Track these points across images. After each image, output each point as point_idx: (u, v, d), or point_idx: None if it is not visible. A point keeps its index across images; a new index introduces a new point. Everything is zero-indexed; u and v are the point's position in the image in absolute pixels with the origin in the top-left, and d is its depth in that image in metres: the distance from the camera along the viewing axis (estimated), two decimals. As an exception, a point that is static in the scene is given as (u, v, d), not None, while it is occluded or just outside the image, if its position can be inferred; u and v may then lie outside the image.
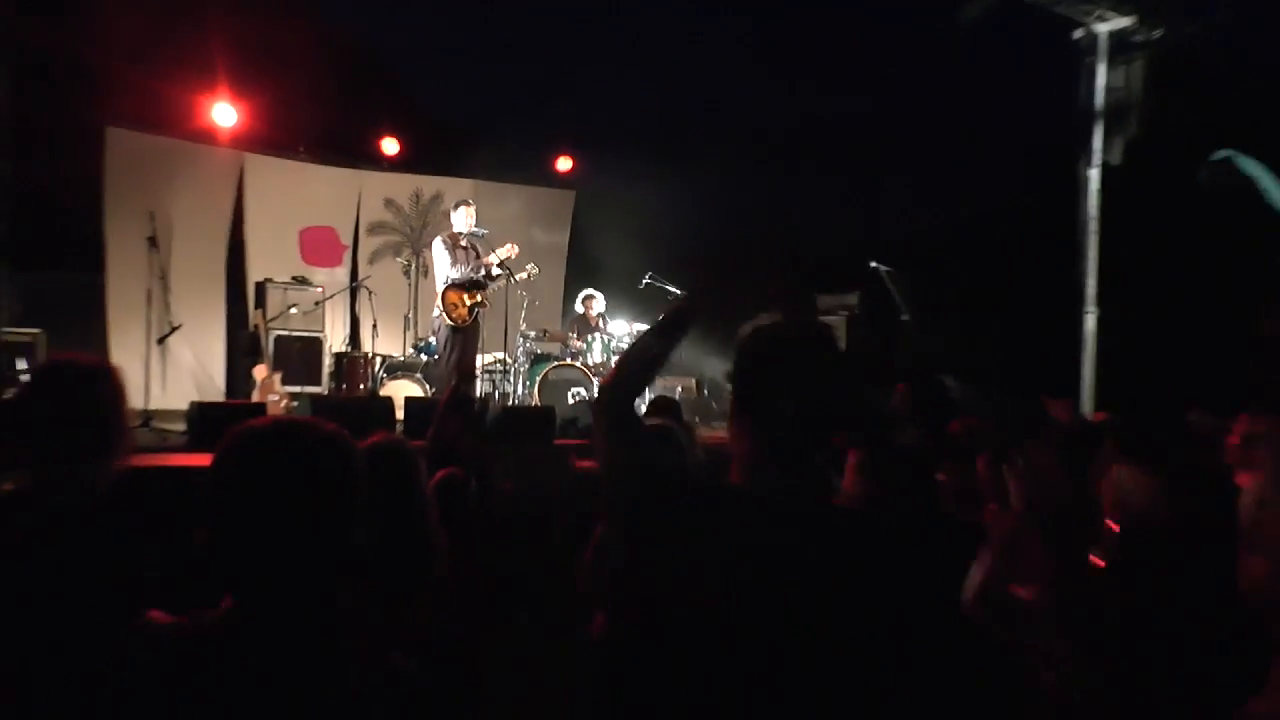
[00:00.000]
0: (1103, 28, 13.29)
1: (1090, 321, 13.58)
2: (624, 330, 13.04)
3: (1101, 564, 2.48)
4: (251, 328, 12.45)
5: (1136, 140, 13.31)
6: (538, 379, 12.08)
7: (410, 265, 13.80)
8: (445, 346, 11.32)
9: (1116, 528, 2.52)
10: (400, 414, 9.70)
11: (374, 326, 12.85)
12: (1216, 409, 6.47)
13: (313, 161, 14.48)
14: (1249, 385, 6.04)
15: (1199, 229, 12.53)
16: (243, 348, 12.72)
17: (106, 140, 12.37)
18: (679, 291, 12.78)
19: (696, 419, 12.27)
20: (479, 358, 11.87)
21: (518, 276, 11.82)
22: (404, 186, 15.33)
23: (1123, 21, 13.14)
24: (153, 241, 11.39)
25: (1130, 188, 13.41)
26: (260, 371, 11.78)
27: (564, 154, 16.37)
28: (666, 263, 13.10)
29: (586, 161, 16.32)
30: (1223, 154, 11.95)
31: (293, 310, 12.55)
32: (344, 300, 13.95)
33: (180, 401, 11.74)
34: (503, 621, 5.84)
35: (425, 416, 7.44)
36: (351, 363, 12.26)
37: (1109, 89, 13.37)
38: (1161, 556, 2.28)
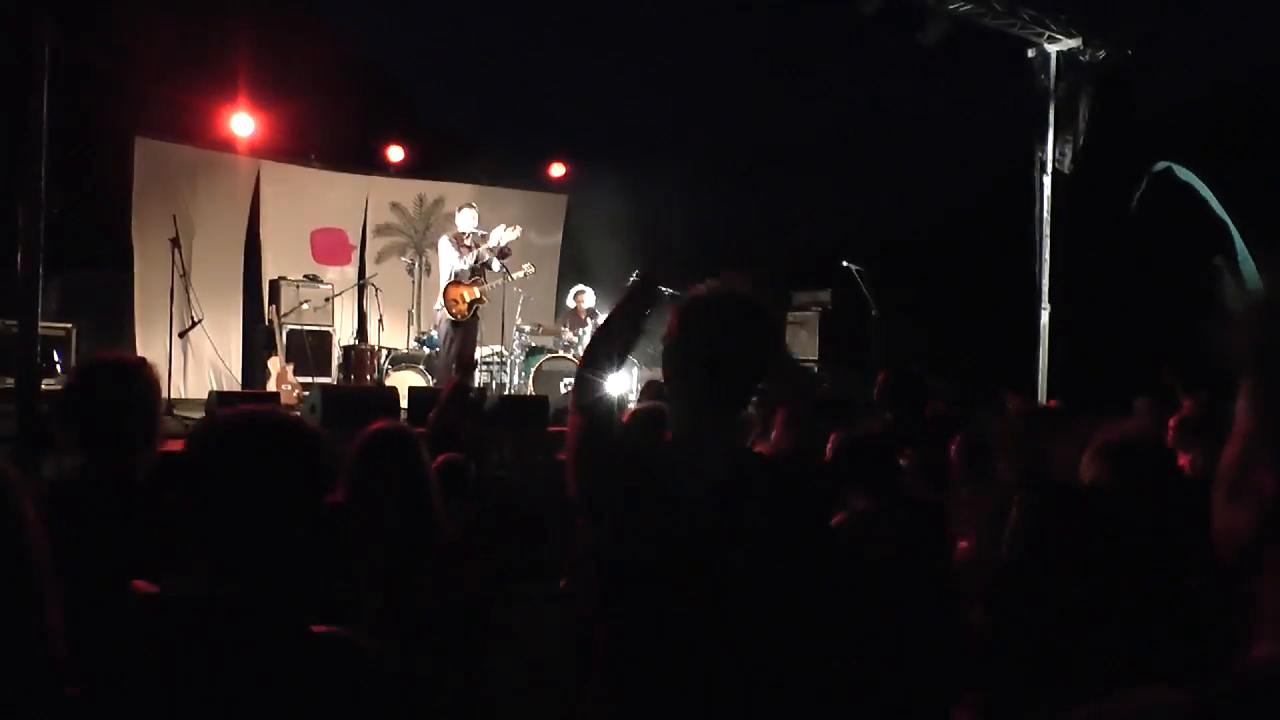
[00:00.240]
0: (1053, 48, 13.45)
1: (1044, 316, 13.67)
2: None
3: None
4: (266, 322, 12.47)
5: (1083, 150, 13.41)
6: (533, 370, 12.12)
7: (414, 264, 13.81)
8: (446, 340, 11.36)
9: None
10: (404, 402, 9.72)
11: (380, 321, 12.87)
12: (1160, 397, 6.53)
13: (324, 168, 14.50)
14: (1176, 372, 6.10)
15: (1143, 231, 12.60)
16: (258, 341, 12.75)
17: (135, 149, 12.43)
18: (666, 290, 12.78)
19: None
20: (478, 350, 11.88)
21: (515, 275, 11.85)
22: (409, 191, 15.33)
23: (1071, 43, 13.33)
24: (175, 242, 11.38)
25: (1078, 193, 13.49)
26: (274, 363, 11.79)
27: (557, 161, 16.42)
28: (652, 261, 13.12)
29: (578, 168, 16.37)
30: (1162, 165, 12.02)
31: (304, 306, 12.57)
32: (352, 297, 13.97)
33: (200, 391, 11.79)
34: (503, 590, 5.86)
35: (428, 405, 7.47)
36: (359, 355, 12.28)
37: (1058, 103, 13.50)
38: (1110, 523, 2.32)
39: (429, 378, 11.76)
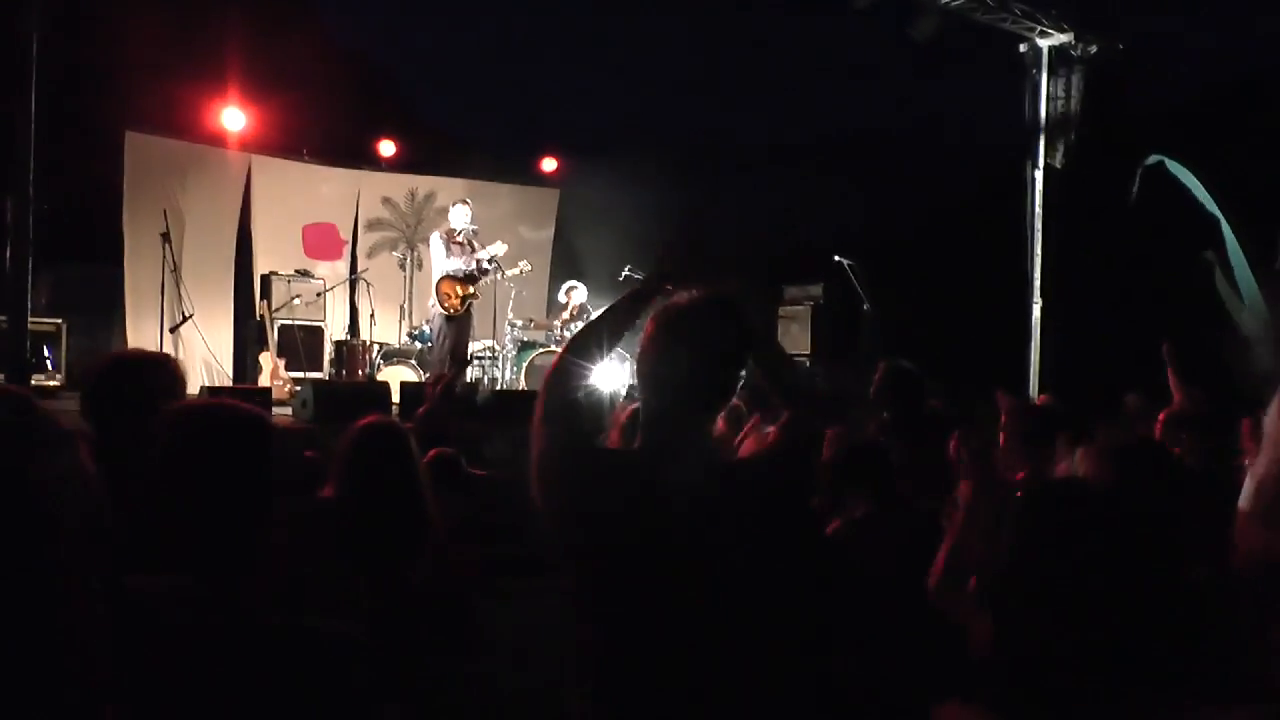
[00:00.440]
0: (1044, 43, 13.47)
1: (1036, 311, 13.70)
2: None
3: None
4: (258, 317, 12.47)
5: (1075, 145, 13.45)
6: (524, 364, 12.13)
7: (405, 259, 13.78)
8: (439, 334, 11.35)
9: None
10: (396, 397, 9.71)
11: (372, 316, 12.86)
12: (1150, 393, 6.55)
13: (315, 163, 14.48)
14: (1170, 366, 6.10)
15: (1134, 226, 12.62)
16: (250, 336, 12.74)
17: (125, 143, 12.38)
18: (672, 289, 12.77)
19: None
20: (470, 345, 11.88)
21: (509, 273, 11.85)
22: (400, 186, 15.32)
23: (1062, 38, 13.35)
24: (166, 237, 11.36)
25: (1070, 188, 13.53)
26: (266, 358, 11.78)
27: (549, 155, 16.41)
28: (643, 256, 13.12)
29: (570, 162, 16.37)
30: (1154, 159, 12.05)
31: (296, 301, 12.57)
32: (344, 292, 13.96)
33: (192, 386, 11.72)
34: (494, 585, 5.87)
35: (419, 400, 7.47)
36: (351, 350, 12.28)
37: (1050, 98, 13.53)
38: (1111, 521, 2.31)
39: (421, 372, 11.76)
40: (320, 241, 14.58)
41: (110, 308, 12.31)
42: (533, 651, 5.97)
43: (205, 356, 12.77)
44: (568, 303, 13.06)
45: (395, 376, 11.32)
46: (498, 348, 12.68)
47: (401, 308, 13.58)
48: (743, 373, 2.49)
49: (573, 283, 13.37)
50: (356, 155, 15.03)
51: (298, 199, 14.35)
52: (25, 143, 7.46)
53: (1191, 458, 4.76)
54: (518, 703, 5.61)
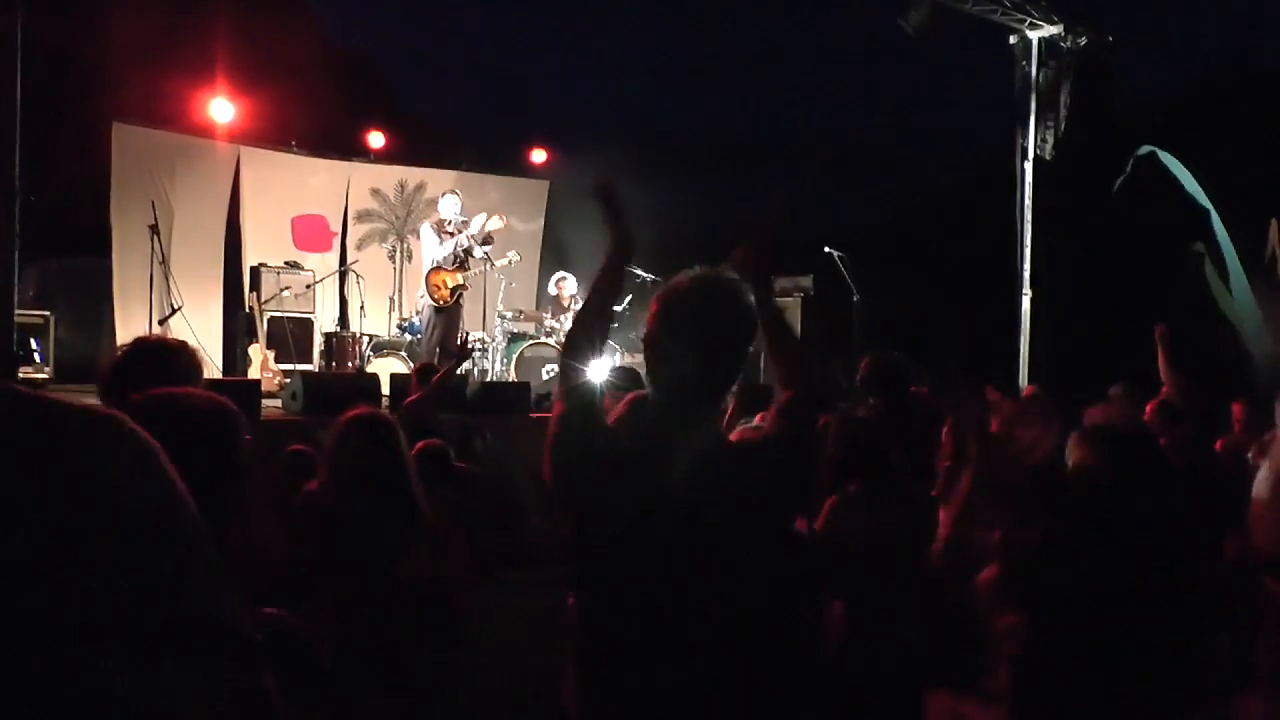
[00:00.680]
0: (1034, 34, 13.49)
1: (1025, 302, 13.73)
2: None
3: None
4: (247, 309, 12.44)
5: (1064, 136, 13.49)
6: (514, 356, 12.11)
7: (395, 251, 13.74)
8: (429, 326, 11.35)
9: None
10: (386, 389, 9.71)
11: (361, 308, 12.85)
12: (1138, 383, 6.58)
13: (304, 154, 14.45)
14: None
15: (1124, 217, 12.68)
16: (239, 328, 12.70)
17: (113, 134, 12.32)
18: (647, 276, 12.79)
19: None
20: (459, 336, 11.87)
21: (499, 263, 11.83)
22: (389, 177, 15.28)
23: (1052, 29, 13.38)
24: (155, 229, 11.33)
25: (1060, 179, 13.57)
26: (255, 350, 11.76)
27: (538, 147, 16.40)
28: (635, 247, 13.11)
29: (559, 153, 16.36)
30: (1146, 149, 12.09)
31: (285, 293, 12.53)
32: (333, 283, 13.93)
33: (181, 378, 11.68)
34: (483, 576, 5.88)
35: (409, 389, 7.46)
36: (341, 342, 12.25)
37: (1040, 90, 13.56)
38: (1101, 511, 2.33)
39: (411, 364, 11.74)
40: (310, 233, 14.55)
41: (98, 300, 12.28)
42: (521, 642, 6.00)
43: (194, 349, 12.72)
44: (558, 294, 13.05)
45: (385, 368, 11.31)
46: (487, 339, 12.66)
47: (391, 299, 13.55)
48: (749, 353, 2.50)
49: (563, 274, 13.36)
50: (346, 147, 15.01)
51: (287, 190, 14.31)
52: (11, 134, 7.42)
53: (1177, 446, 4.79)
54: (507, 692, 5.62)
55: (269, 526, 3.86)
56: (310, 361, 12.38)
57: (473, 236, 11.51)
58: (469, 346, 11.27)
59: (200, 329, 12.67)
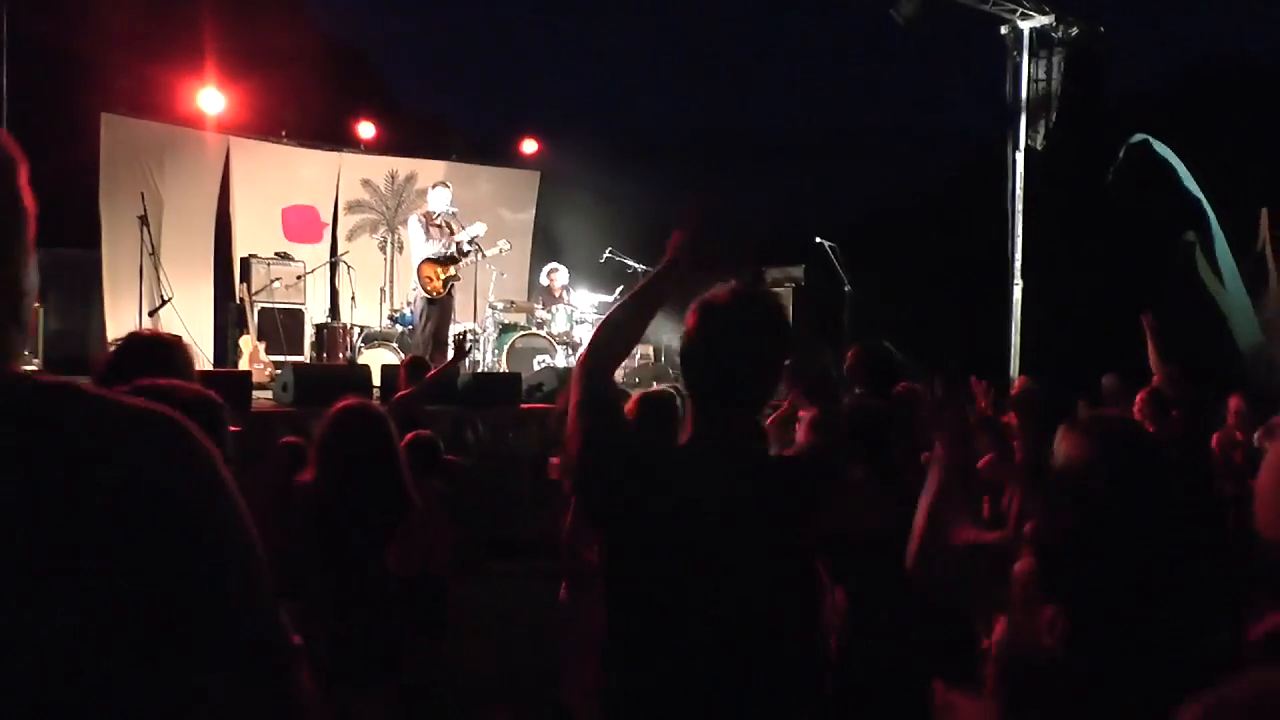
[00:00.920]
0: (1026, 25, 13.49)
1: (1017, 292, 13.75)
2: (586, 301, 13.06)
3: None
4: (237, 300, 12.42)
5: (1056, 126, 13.51)
6: (505, 347, 12.10)
7: (386, 241, 13.71)
8: (421, 317, 11.31)
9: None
10: (377, 380, 9.70)
11: (352, 299, 12.82)
12: (1129, 374, 6.60)
13: (294, 145, 14.42)
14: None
15: (1115, 208, 12.69)
16: (229, 319, 12.68)
17: (102, 125, 12.26)
18: (639, 267, 12.79)
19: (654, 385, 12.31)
20: (451, 327, 11.84)
21: (489, 253, 11.81)
22: (380, 168, 15.26)
23: (1043, 20, 13.38)
24: (144, 220, 11.30)
25: (1051, 169, 13.59)
26: (246, 341, 11.74)
27: (529, 138, 16.38)
28: (625, 239, 13.13)
29: (551, 144, 16.34)
30: (1139, 138, 12.10)
31: (276, 284, 12.51)
32: (324, 274, 13.90)
33: (172, 369, 11.65)
34: (472, 567, 5.89)
35: (398, 382, 7.45)
36: (331, 333, 12.23)
37: (1031, 80, 13.57)
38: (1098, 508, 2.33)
39: (402, 355, 11.72)
40: (300, 224, 14.52)
41: (88, 292, 12.23)
42: (512, 633, 6.01)
43: (188, 344, 12.69)
44: (549, 285, 13.05)
45: (376, 359, 11.29)
46: (479, 330, 12.65)
47: (382, 290, 13.53)
48: (784, 370, 2.51)
49: (554, 264, 13.35)
50: (336, 137, 14.98)
51: (277, 181, 14.28)
52: (-1, 125, 7.41)
53: (1167, 436, 4.80)
54: (497, 682, 5.63)
55: (260, 518, 3.86)
56: (301, 353, 12.36)
57: (463, 241, 11.46)
58: (466, 346, 11.27)
59: (190, 320, 12.64)
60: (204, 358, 12.87)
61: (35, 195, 1.32)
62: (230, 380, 8.74)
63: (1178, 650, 2.09)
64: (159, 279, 11.76)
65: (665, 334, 13.36)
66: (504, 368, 11.80)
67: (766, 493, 2.40)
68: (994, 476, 5.41)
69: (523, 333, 12.35)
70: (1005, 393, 7.11)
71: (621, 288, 12.97)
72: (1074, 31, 13.40)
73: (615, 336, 2.54)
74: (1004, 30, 13.70)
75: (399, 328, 12.22)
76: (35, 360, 10.82)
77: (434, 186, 11.75)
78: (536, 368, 11.72)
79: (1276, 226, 12.20)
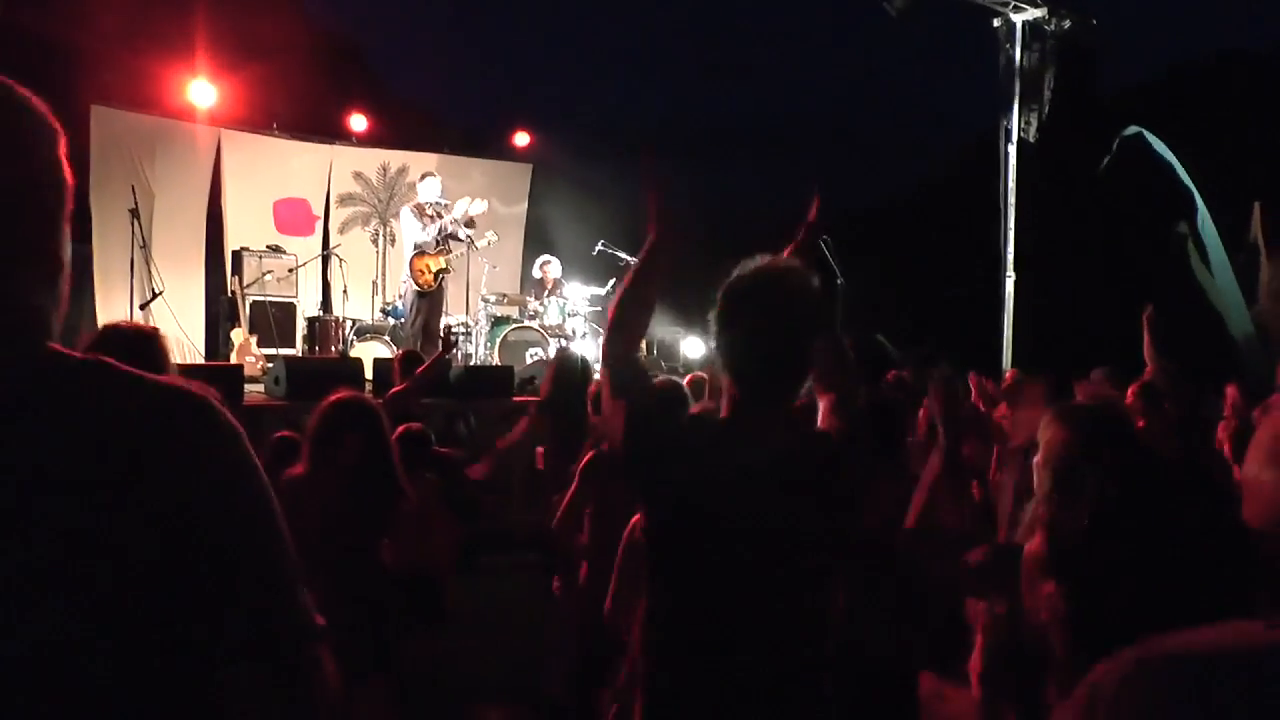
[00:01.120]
0: (1018, 18, 13.50)
1: (1009, 284, 13.76)
2: (579, 294, 13.06)
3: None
4: (229, 294, 12.39)
5: (1048, 118, 13.53)
6: (498, 340, 12.09)
7: (378, 234, 13.68)
8: (412, 310, 11.30)
9: None
10: (369, 373, 9.69)
11: (344, 292, 12.82)
12: (1121, 366, 6.61)
13: (286, 137, 14.38)
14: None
15: (1108, 199, 12.72)
16: (221, 312, 12.65)
17: (92, 117, 12.22)
18: (631, 259, 12.78)
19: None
20: (443, 319, 11.84)
21: (479, 244, 11.79)
22: (372, 160, 15.24)
23: (1036, 12, 13.39)
24: (135, 213, 11.27)
25: (1043, 161, 13.60)
26: (238, 334, 11.72)
27: (521, 129, 16.37)
28: (618, 231, 13.12)
29: (543, 137, 16.34)
30: (1133, 130, 12.13)
31: (268, 277, 12.49)
32: (316, 267, 13.88)
33: (163, 363, 11.62)
34: (466, 561, 5.88)
35: (393, 376, 7.44)
36: (323, 326, 12.22)
37: (1024, 72, 13.57)
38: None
39: (394, 349, 11.71)
40: (292, 217, 14.49)
41: (78, 285, 12.04)
42: (505, 626, 6.00)
43: (176, 334, 12.67)
44: (542, 277, 13.04)
45: (368, 353, 11.28)
46: (471, 323, 12.65)
47: (374, 283, 13.51)
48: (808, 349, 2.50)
49: (546, 257, 13.34)
50: (328, 129, 14.95)
51: (268, 174, 14.25)
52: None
53: (1160, 428, 4.81)
54: (490, 675, 5.63)
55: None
56: (293, 346, 12.35)
57: (455, 221, 11.48)
58: (452, 340, 11.25)
59: (182, 313, 12.62)
60: (195, 351, 12.86)
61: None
62: (222, 373, 8.73)
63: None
64: (150, 272, 11.74)
65: (658, 327, 13.38)
66: (496, 361, 11.79)
67: (817, 472, 2.42)
68: (977, 463, 5.47)
69: (515, 325, 12.34)
70: (997, 385, 7.14)
71: (614, 280, 12.97)
72: (1066, 24, 13.40)
73: (628, 314, 2.51)
74: (996, 23, 13.70)
75: (391, 321, 12.21)
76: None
77: (423, 178, 11.75)
78: (529, 360, 11.72)
79: (1269, 221, 12.24)
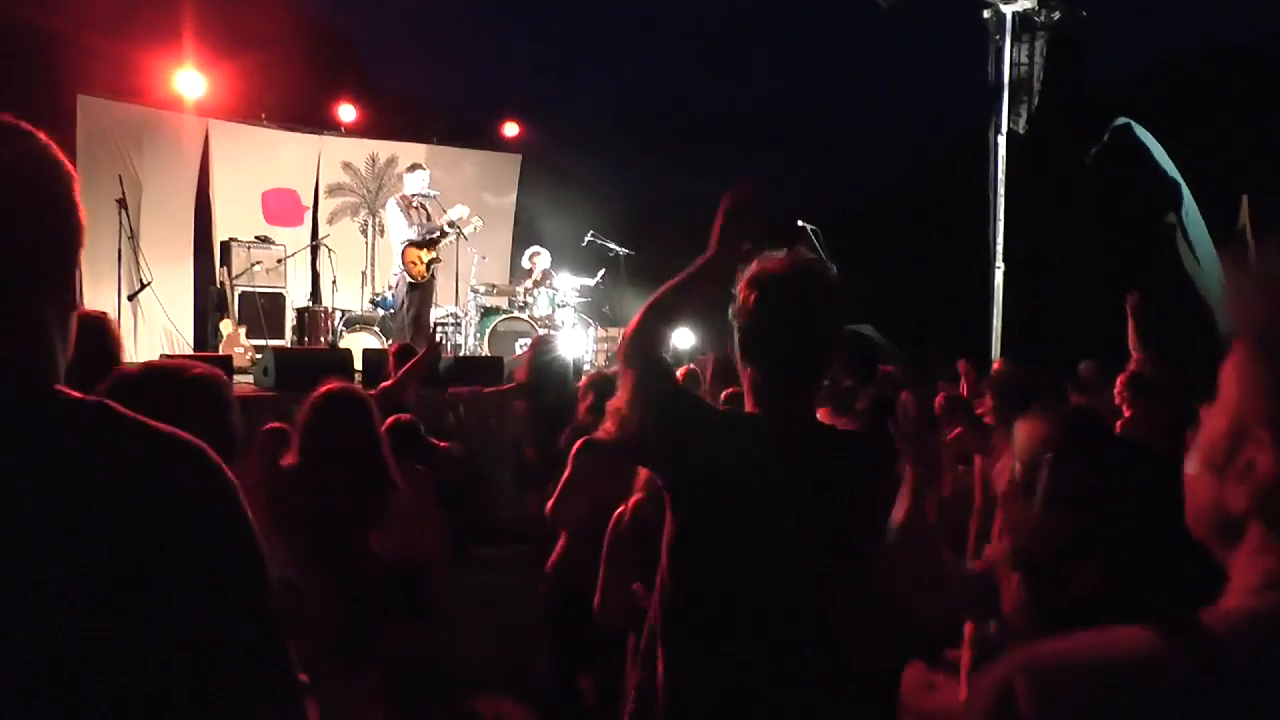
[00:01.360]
0: (1008, 9, 13.50)
1: (998, 276, 13.78)
2: (568, 284, 13.06)
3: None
4: (218, 284, 12.37)
5: (1038, 110, 13.55)
6: (487, 330, 12.10)
7: (367, 225, 13.66)
8: (402, 302, 11.29)
9: None
10: (358, 364, 9.68)
11: (334, 282, 12.79)
12: (1109, 358, 6.63)
13: (274, 127, 14.35)
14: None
15: (1097, 191, 12.74)
16: (210, 303, 12.63)
17: (78, 107, 12.17)
18: (620, 250, 12.80)
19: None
20: (432, 311, 11.83)
21: (465, 231, 11.77)
22: (361, 151, 15.22)
23: (1026, 4, 13.40)
24: (122, 203, 11.23)
25: (1033, 153, 13.62)
26: (226, 325, 11.71)
27: (511, 120, 16.35)
28: (607, 222, 13.13)
29: (532, 127, 16.32)
30: (1121, 121, 12.15)
31: (257, 268, 12.47)
32: (305, 258, 13.85)
33: (151, 354, 11.65)
34: (456, 552, 5.89)
35: (382, 367, 7.45)
36: (313, 317, 12.20)
37: (1013, 64, 13.58)
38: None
39: (384, 339, 11.71)
40: (281, 207, 14.47)
41: (65, 276, 12.14)
42: (493, 617, 6.01)
43: (165, 324, 12.66)
44: (531, 268, 13.04)
45: (357, 343, 11.27)
46: (460, 314, 12.64)
47: (363, 274, 13.50)
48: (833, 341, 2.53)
49: (536, 248, 13.34)
50: (316, 120, 14.91)
51: (257, 164, 14.22)
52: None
53: (1144, 418, 4.83)
54: (478, 667, 5.65)
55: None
56: (282, 337, 12.34)
57: (447, 223, 11.43)
58: (437, 337, 11.24)
59: (170, 304, 12.61)
60: (184, 342, 12.84)
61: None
62: (210, 364, 8.70)
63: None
64: (138, 263, 11.71)
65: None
66: (486, 351, 11.80)
67: (843, 462, 2.45)
68: (963, 448, 5.50)
69: (505, 316, 12.34)
70: (985, 375, 7.16)
71: (603, 270, 12.96)
72: (1056, 16, 13.42)
73: (659, 319, 2.50)
74: (986, 14, 13.70)
75: (380, 311, 12.20)
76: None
77: (410, 170, 11.72)
78: (519, 351, 11.72)
79: (1257, 213, 12.27)
